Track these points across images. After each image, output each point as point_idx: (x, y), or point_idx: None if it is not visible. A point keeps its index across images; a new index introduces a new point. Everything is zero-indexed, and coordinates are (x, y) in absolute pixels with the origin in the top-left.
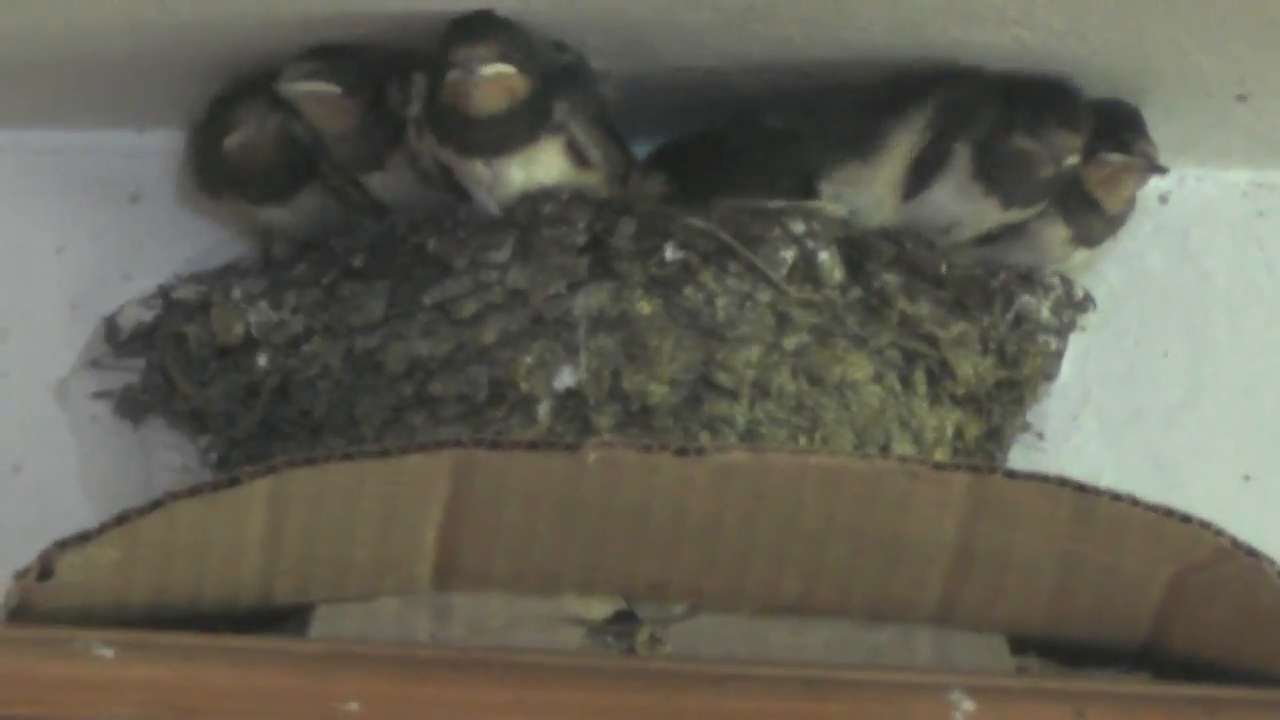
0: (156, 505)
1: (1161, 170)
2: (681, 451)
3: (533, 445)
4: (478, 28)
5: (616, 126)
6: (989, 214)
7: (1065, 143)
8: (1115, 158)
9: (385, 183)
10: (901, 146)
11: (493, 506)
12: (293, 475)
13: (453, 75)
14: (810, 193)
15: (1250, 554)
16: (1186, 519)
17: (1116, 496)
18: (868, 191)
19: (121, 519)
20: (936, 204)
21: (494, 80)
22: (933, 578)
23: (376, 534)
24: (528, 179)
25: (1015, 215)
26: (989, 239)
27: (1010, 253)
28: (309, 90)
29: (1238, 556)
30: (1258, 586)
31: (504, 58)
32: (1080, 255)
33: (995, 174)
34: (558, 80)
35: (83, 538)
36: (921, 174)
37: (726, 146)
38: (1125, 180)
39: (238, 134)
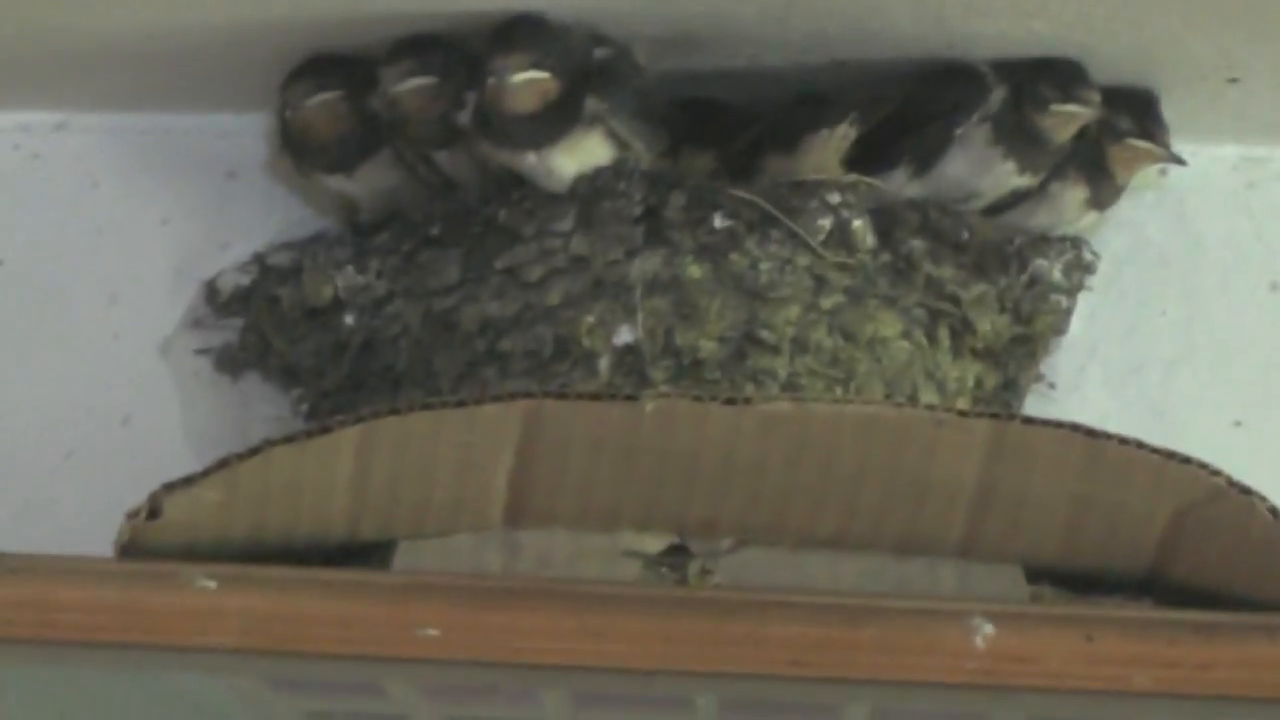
0: (255, 451)
1: (1180, 162)
2: (730, 401)
3: (595, 396)
4: (513, 36)
5: (660, 109)
6: (1007, 180)
7: (1087, 96)
8: (1143, 144)
9: (453, 159)
10: (819, 150)
11: (559, 452)
12: (378, 424)
13: (490, 82)
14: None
15: (1243, 492)
16: (1186, 460)
17: (1123, 440)
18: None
19: (223, 464)
20: (953, 177)
21: (526, 85)
22: (956, 515)
23: (453, 477)
24: (579, 165)
25: (1030, 180)
26: (1010, 203)
27: (1032, 215)
28: (413, 88)
29: (1232, 495)
30: (1249, 521)
31: (536, 64)
32: (1090, 218)
33: (1014, 142)
34: (591, 77)
35: (187, 481)
36: (928, 150)
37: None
38: (1144, 162)
39: (296, 108)
